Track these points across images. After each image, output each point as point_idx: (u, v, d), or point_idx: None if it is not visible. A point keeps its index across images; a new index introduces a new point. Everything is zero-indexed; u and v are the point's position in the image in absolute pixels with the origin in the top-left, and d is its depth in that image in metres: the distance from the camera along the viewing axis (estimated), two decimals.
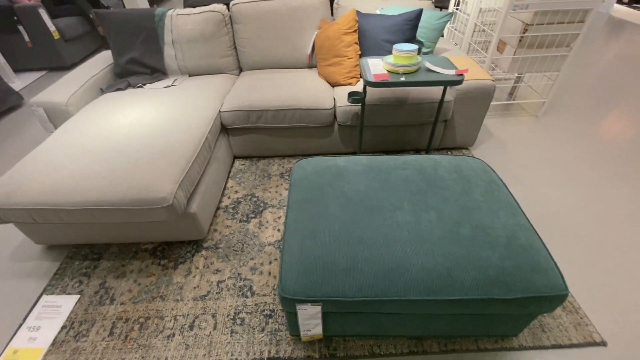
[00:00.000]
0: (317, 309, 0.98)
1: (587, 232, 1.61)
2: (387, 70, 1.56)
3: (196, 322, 1.30)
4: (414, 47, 1.52)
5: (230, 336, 1.25)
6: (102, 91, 2.12)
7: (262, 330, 1.26)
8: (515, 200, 1.19)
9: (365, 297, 0.94)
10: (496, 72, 2.43)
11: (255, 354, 1.19)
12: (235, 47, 2.28)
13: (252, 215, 1.75)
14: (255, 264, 1.51)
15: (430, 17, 1.98)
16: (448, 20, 1.97)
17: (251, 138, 2.04)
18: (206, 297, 1.38)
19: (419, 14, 1.81)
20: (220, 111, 1.91)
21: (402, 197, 1.19)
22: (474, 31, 2.49)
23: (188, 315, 1.33)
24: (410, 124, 1.98)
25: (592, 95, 2.78)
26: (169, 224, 1.47)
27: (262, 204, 1.82)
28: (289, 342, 1.22)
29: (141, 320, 1.31)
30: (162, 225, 1.48)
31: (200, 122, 1.68)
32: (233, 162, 2.16)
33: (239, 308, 1.34)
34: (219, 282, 1.44)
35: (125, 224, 1.46)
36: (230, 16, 2.20)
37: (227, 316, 1.31)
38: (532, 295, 0.93)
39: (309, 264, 1.00)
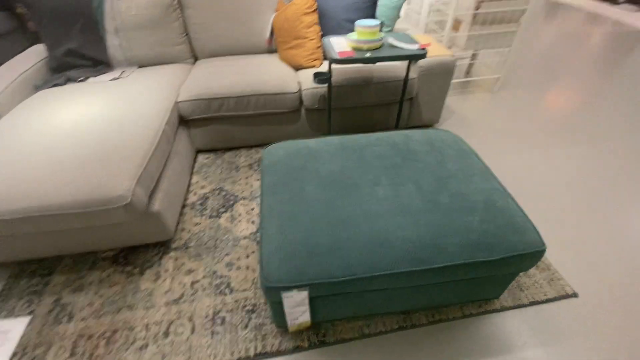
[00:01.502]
0: (303, 295, 0.93)
1: (550, 192, 1.70)
2: (352, 48, 1.52)
3: (171, 327, 1.19)
4: (376, 21, 1.49)
5: (211, 337, 1.16)
6: (37, 88, 1.87)
7: (246, 326, 1.19)
8: (487, 167, 1.21)
9: (352, 276, 0.90)
10: (452, 50, 2.50)
11: (240, 352, 1.12)
12: (187, 34, 2.13)
13: (223, 210, 1.65)
14: (231, 259, 1.42)
15: None
16: (404, 1, 1.97)
17: (214, 129, 1.92)
18: (180, 300, 1.28)
19: None
20: (177, 102, 1.77)
21: (378, 173, 1.17)
22: (430, 11, 2.53)
23: (162, 322, 1.21)
24: (377, 104, 1.97)
25: (539, 70, 2.96)
26: (130, 226, 1.34)
27: (232, 197, 1.72)
28: (276, 335, 1.16)
29: (107, 334, 1.18)
30: (122, 229, 1.34)
31: (155, 113, 1.54)
32: (196, 157, 2.03)
33: (218, 307, 1.25)
34: (193, 282, 1.34)
35: (77, 230, 1.30)
36: (179, 0, 2.04)
37: (206, 317, 1.22)
38: (513, 254, 0.94)
39: (290, 248, 0.94)
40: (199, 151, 2.07)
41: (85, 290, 1.32)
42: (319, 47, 1.94)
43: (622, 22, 4.10)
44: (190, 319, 1.22)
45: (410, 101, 2.03)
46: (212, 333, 1.17)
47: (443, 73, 1.91)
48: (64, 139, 1.35)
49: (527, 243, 0.96)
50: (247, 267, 1.38)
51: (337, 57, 1.44)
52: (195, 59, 2.23)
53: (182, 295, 1.29)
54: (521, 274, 1.33)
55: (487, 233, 0.96)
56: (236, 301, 1.27)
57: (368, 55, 1.45)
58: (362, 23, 1.48)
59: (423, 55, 1.49)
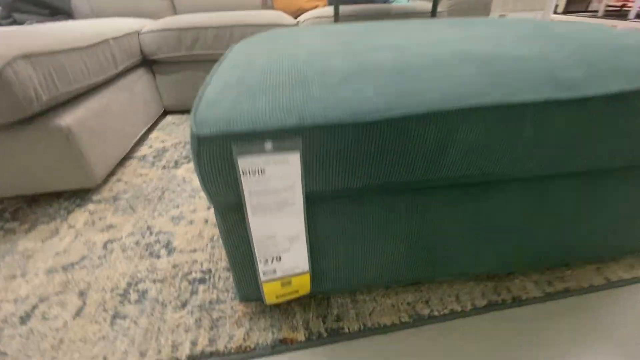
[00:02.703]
0: (287, 167, 0.39)
1: None
2: None
3: (41, 307, 0.62)
4: None
5: (110, 325, 0.58)
6: None
7: (184, 305, 0.61)
8: None
9: (415, 109, 0.38)
10: None
11: (161, 351, 0.53)
12: None
13: (184, 161, 1.13)
14: (181, 212, 0.87)
15: None
16: None
17: (186, 79, 1.49)
18: (75, 266, 0.71)
19: None
20: (139, 33, 1.37)
21: (424, 26, 0.69)
22: None
23: (27, 297, 0.64)
24: None
25: None
26: (21, 151, 0.83)
27: None
28: (239, 319, 0.58)
29: None
30: (10, 157, 0.83)
31: (104, 29, 1.12)
32: (163, 117, 1.57)
33: (140, 275, 0.68)
34: (108, 241, 0.78)
35: None
36: None
37: (112, 290, 0.65)
38: None
39: (263, 81, 0.43)
40: (168, 112, 1.62)
41: None
42: None
43: (637, 29, 3.91)
44: (82, 295, 0.64)
45: None
46: (115, 316, 0.59)
47: (477, 10, 1.53)
48: None
49: None
50: (206, 221, 0.83)
51: None
52: None
53: (81, 259, 0.73)
54: None
55: None
56: (175, 266, 0.70)
57: None
58: None
59: None
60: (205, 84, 0.47)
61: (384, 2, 1.56)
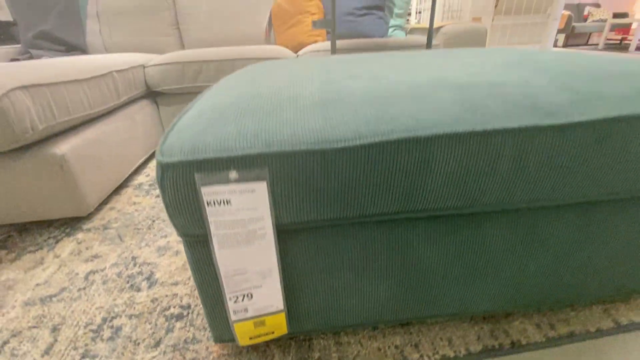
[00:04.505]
0: (254, 196, 0.37)
1: None
2: None
3: (11, 343, 0.59)
4: None
5: None
6: None
7: (157, 343, 0.57)
8: None
9: (385, 136, 0.36)
10: None
11: None
12: (178, 27, 1.93)
13: None
14: (168, 242, 0.85)
15: None
16: None
17: None
18: (54, 298, 0.68)
19: None
20: (144, 66, 1.43)
21: (411, 55, 0.70)
22: (443, 12, 2.35)
23: (0, 331, 0.61)
24: None
25: None
26: (14, 179, 0.83)
27: None
28: None
29: None
30: (3, 185, 0.84)
31: (109, 62, 1.17)
32: None
33: (117, 310, 0.65)
34: (91, 272, 0.76)
35: None
36: None
37: (86, 326, 0.61)
38: None
39: (235, 106, 0.42)
40: None
41: None
42: (321, 19, 1.67)
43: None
44: (54, 330, 0.61)
45: None
46: (82, 357, 0.56)
47: (473, 44, 1.56)
48: None
49: None
50: None
51: None
52: None
53: (60, 291, 0.70)
54: None
55: None
56: (154, 300, 0.67)
57: None
58: None
59: None
60: (182, 112, 0.47)
61: (381, 37, 1.61)
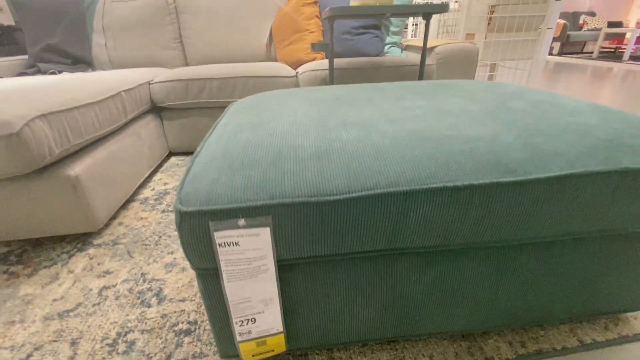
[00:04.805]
0: (259, 239, 0.43)
1: None
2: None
3: (34, 356, 0.65)
4: None
5: None
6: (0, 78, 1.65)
7: (168, 357, 0.63)
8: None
9: (370, 190, 0.43)
10: None
11: None
12: (181, 41, 1.99)
13: None
14: (175, 259, 0.91)
15: None
16: None
17: (191, 124, 1.59)
18: (71, 313, 0.75)
19: None
20: (150, 83, 1.49)
21: (403, 93, 0.76)
22: (439, 27, 2.42)
23: (22, 345, 0.67)
24: None
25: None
26: (31, 198, 0.89)
27: None
28: None
29: None
30: (20, 204, 0.89)
31: (116, 82, 1.23)
32: (168, 158, 1.65)
33: (130, 325, 0.71)
34: (104, 288, 0.82)
35: None
36: (175, 6, 1.95)
37: (102, 340, 0.68)
38: None
39: (243, 155, 0.49)
40: (173, 154, 1.71)
41: None
42: (320, 41, 1.74)
43: (634, 70, 4.04)
44: (73, 344, 0.67)
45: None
46: None
47: (465, 62, 1.63)
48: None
49: None
50: None
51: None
52: (187, 66, 2.05)
53: (77, 306, 0.77)
54: None
55: (622, 133, 0.50)
56: (164, 316, 0.73)
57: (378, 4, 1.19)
58: None
59: (445, 8, 1.22)
60: (196, 153, 0.53)
61: (377, 54, 1.68)
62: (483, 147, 0.47)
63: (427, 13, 1.25)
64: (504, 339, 0.63)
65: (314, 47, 1.32)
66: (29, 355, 0.65)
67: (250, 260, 0.45)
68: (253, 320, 0.50)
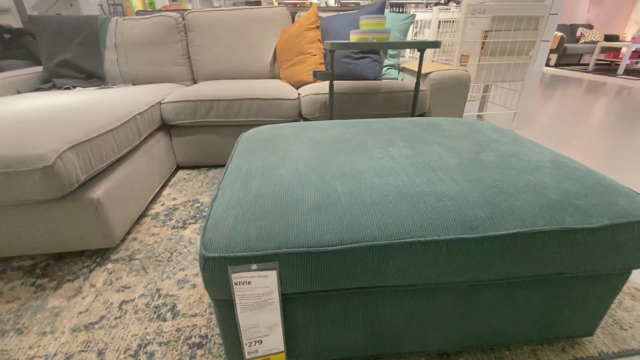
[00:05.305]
0: (267, 280, 0.54)
1: None
2: (357, 40, 1.38)
3: None
4: (382, 15, 1.37)
5: None
6: (19, 92, 1.74)
7: None
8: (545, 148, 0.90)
9: (356, 243, 0.53)
10: None
11: None
12: (189, 57, 2.08)
13: (192, 221, 1.29)
14: (186, 275, 1.01)
15: (393, 19, 1.94)
16: (411, 22, 1.94)
17: (199, 140, 1.69)
18: (96, 326, 0.84)
19: (382, 5, 1.75)
20: (160, 102, 1.58)
21: (392, 137, 0.86)
22: (435, 53, 2.52)
23: (54, 354, 0.77)
24: (386, 117, 1.76)
25: (553, 120, 2.81)
26: (56, 218, 0.99)
27: (206, 209, 1.38)
28: None
29: None
30: (46, 222, 0.99)
31: (131, 104, 1.33)
32: (176, 172, 1.75)
33: (149, 337, 0.81)
34: (123, 302, 0.92)
35: None
36: (184, 24, 2.05)
37: (125, 351, 0.78)
38: (623, 222, 0.56)
39: (254, 205, 0.59)
40: (180, 167, 1.81)
41: None
42: (321, 64, 1.84)
43: (627, 86, 4.15)
44: (100, 354, 0.77)
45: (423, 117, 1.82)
46: None
47: (457, 88, 1.73)
48: (16, 109, 1.12)
49: (638, 209, 0.59)
50: None
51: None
52: (194, 81, 2.15)
53: (100, 319, 0.86)
54: (613, 306, 0.88)
55: (570, 193, 0.60)
56: (178, 330, 0.83)
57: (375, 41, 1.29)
58: (367, 16, 1.37)
59: (437, 44, 1.32)
60: (213, 198, 0.63)
61: (375, 78, 1.78)
62: (452, 205, 0.57)
63: (421, 44, 1.35)
64: (474, 357, 0.74)
65: (316, 75, 1.42)
66: None
67: (259, 295, 0.55)
68: (260, 341, 0.60)
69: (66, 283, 0.99)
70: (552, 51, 5.91)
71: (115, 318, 0.87)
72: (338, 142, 0.84)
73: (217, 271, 0.53)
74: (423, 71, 1.75)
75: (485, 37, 2.09)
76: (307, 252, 0.52)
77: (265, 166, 0.72)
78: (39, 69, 1.98)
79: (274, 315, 0.58)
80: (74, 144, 0.93)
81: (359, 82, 1.68)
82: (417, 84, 1.56)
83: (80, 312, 0.89)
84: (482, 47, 2.13)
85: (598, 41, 5.93)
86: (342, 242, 0.53)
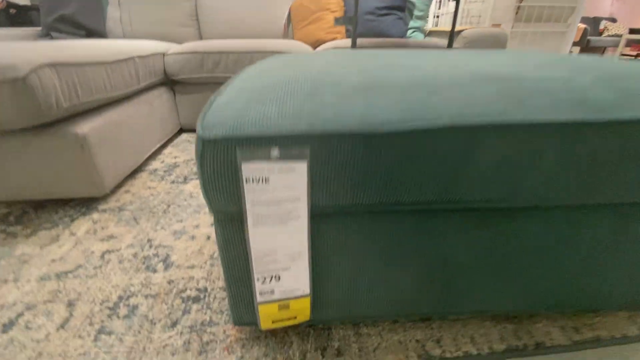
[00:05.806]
0: (293, 177, 0.37)
1: None
2: None
3: (25, 316, 0.59)
4: None
5: (94, 341, 0.54)
6: None
7: (174, 324, 0.57)
8: None
9: (428, 121, 0.35)
10: None
11: None
12: (197, 18, 1.94)
13: (194, 177, 1.13)
14: (184, 227, 0.85)
15: None
16: None
17: (204, 100, 1.53)
18: (69, 275, 0.68)
19: None
20: (164, 54, 1.43)
21: (443, 54, 0.69)
22: (462, 22, 2.34)
23: (14, 305, 0.61)
24: None
25: None
26: (34, 156, 0.84)
27: None
28: (230, 344, 0.53)
29: None
30: (23, 161, 0.84)
31: (131, 49, 1.18)
32: (179, 134, 1.60)
33: (133, 289, 0.65)
34: (107, 252, 0.76)
35: None
36: None
37: (102, 303, 0.61)
38: None
39: (276, 88, 0.42)
40: (184, 130, 1.65)
41: None
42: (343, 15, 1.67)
43: None
44: (70, 305, 0.61)
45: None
46: (99, 332, 0.55)
47: (493, 46, 1.55)
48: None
49: None
50: (208, 238, 0.80)
51: None
52: None
53: (76, 268, 0.70)
54: None
55: None
56: (170, 282, 0.66)
57: None
58: None
59: None
60: (218, 92, 0.47)
61: (401, 37, 1.61)
62: (559, 86, 0.40)
63: None
64: (554, 323, 0.56)
65: (338, 21, 1.26)
66: (20, 315, 0.59)
67: (280, 202, 0.38)
68: (277, 277, 0.43)
69: (42, 231, 0.83)
70: (574, 44, 5.67)
71: (95, 268, 0.70)
72: (378, 55, 0.67)
73: (222, 162, 0.36)
74: (455, 30, 1.57)
75: (521, 0, 1.91)
76: (353, 134, 0.35)
77: (288, 64, 0.55)
78: (38, 29, 1.85)
79: (299, 237, 0.41)
80: (55, 62, 0.78)
81: (385, 39, 1.51)
82: (451, 39, 1.39)
83: (52, 260, 0.73)
84: (516, 13, 1.94)
85: (622, 35, 5.67)
86: (405, 120, 0.36)
